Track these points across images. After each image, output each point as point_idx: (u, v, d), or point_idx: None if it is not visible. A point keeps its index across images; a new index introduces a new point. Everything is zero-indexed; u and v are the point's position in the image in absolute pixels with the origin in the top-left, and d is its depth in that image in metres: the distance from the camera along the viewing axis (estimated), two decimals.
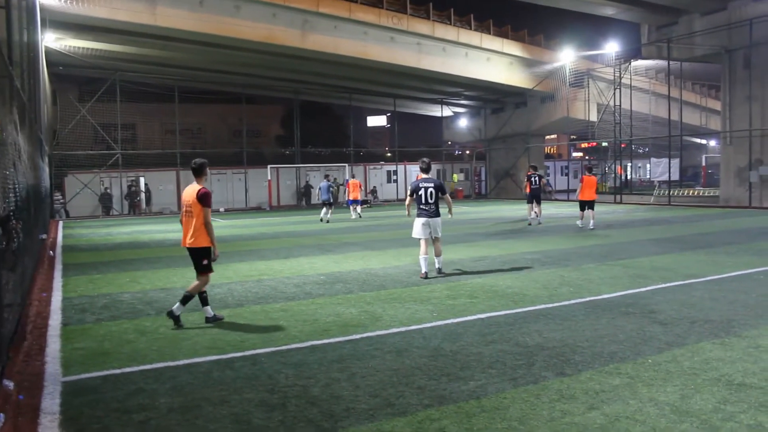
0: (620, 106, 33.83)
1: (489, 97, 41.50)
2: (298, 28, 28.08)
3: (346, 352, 6.05)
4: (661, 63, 34.20)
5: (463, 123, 46.79)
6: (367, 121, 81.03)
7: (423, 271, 10.31)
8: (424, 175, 10.59)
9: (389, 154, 52.46)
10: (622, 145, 36.07)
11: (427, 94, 42.03)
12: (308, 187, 38.44)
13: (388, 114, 66.06)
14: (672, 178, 33.91)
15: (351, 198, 25.76)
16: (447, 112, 46.60)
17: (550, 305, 7.93)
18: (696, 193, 35.63)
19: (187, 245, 7.43)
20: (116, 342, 6.64)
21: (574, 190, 20.62)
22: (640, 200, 33.82)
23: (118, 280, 10.84)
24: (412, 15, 31.45)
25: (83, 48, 28.47)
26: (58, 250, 16.24)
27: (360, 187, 26.62)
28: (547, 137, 48.87)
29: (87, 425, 4.41)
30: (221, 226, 21.87)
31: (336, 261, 12.64)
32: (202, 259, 7.39)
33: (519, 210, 26.74)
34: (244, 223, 24.73)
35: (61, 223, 26.83)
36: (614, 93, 33.78)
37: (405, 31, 31.03)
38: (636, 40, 34.70)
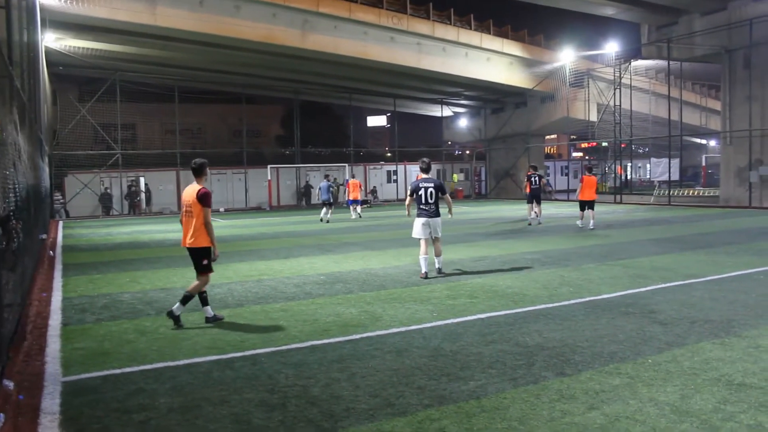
0: (620, 106, 33.83)
1: (489, 97, 41.50)
2: (298, 28, 28.08)
3: (346, 352, 6.05)
4: (661, 63, 34.19)
5: (463, 123, 46.79)
6: (367, 121, 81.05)
7: (423, 271, 10.31)
8: (424, 175, 10.58)
9: (389, 154, 52.47)
10: (622, 145, 36.08)
11: (427, 94, 42.03)
12: (308, 187, 38.45)
13: (388, 114, 66.08)
14: (672, 178, 33.91)
15: (351, 198, 25.76)
16: (447, 112, 46.60)
17: (550, 305, 7.93)
18: (696, 193, 35.63)
19: (187, 245, 7.43)
20: (116, 342, 6.65)
21: (574, 190, 20.63)
22: (640, 200, 33.82)
23: (118, 280, 10.85)
24: (412, 15, 31.45)
25: (83, 48, 28.47)
26: (58, 250, 16.24)
27: (360, 187, 26.61)
28: (547, 137, 48.88)
29: (87, 425, 4.41)
30: (221, 226, 21.87)
31: (336, 261, 12.64)
32: (202, 259, 7.39)
33: (519, 210, 26.75)
34: (244, 223, 24.73)
35: (61, 223, 26.83)
36: (614, 93, 33.79)
37: (405, 31, 31.04)
38: (636, 40, 34.72)
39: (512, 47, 35.25)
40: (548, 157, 56.95)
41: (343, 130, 48.61)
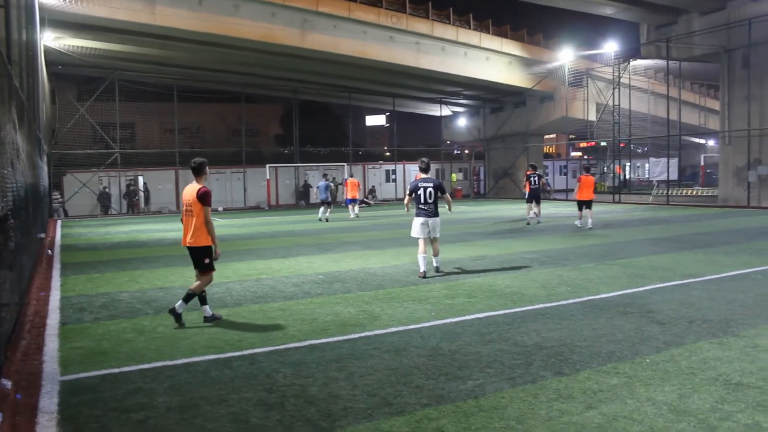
0: (619, 105, 33.86)
1: (488, 97, 41.50)
2: (297, 27, 28.07)
3: (345, 351, 6.05)
4: (660, 62, 34.21)
5: (462, 122, 46.79)
6: (366, 121, 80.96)
7: (421, 270, 10.32)
8: (423, 175, 10.59)
9: (388, 154, 52.45)
10: (621, 145, 36.12)
11: (426, 94, 42.02)
12: (307, 187, 38.44)
13: (387, 113, 66.03)
14: (671, 178, 33.92)
15: (349, 197, 25.76)
16: (446, 111, 46.59)
17: (549, 305, 7.94)
18: (694, 192, 35.65)
19: (188, 244, 7.43)
20: (114, 341, 6.64)
21: (573, 190, 20.63)
22: (638, 200, 33.84)
23: (116, 280, 10.84)
24: (411, 14, 31.45)
25: (82, 47, 28.45)
26: (57, 249, 16.23)
27: (358, 186, 26.63)
28: (546, 137, 48.88)
29: (85, 424, 4.41)
30: (220, 225, 21.83)
31: (335, 260, 12.64)
32: (203, 258, 7.40)
33: (518, 209, 26.76)
34: (242, 222, 24.73)
35: (59, 222, 26.81)
36: (613, 92, 33.81)
37: (404, 30, 31.04)
38: (635, 39, 34.72)
39: (511, 47, 35.26)
40: (547, 156, 56.93)
41: (342, 129, 48.62)
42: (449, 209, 11.22)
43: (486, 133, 43.95)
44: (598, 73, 36.28)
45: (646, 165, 50.61)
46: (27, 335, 6.94)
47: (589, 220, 18.06)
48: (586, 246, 14.07)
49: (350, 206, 25.74)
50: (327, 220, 23.23)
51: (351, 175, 34.44)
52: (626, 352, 5.78)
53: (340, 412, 4.49)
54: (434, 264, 10.62)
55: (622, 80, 33.64)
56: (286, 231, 20.02)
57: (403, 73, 33.94)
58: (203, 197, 7.28)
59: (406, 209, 11.29)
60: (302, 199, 38.45)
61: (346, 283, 9.93)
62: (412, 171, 41.14)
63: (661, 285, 9.12)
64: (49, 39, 25.44)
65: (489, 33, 34.39)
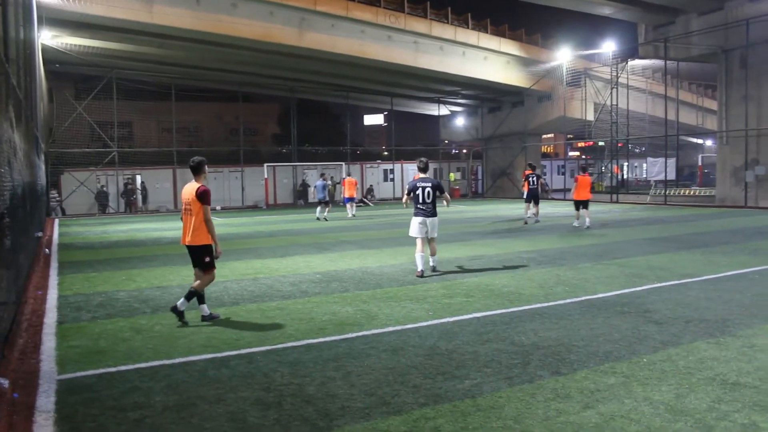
0: (617, 105, 33.90)
1: (486, 96, 41.52)
2: (295, 26, 28.06)
3: (342, 350, 6.05)
4: (658, 62, 34.23)
5: (460, 122, 46.81)
6: (363, 120, 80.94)
7: (419, 269, 10.32)
8: (421, 175, 10.59)
9: (386, 153, 52.44)
10: (619, 145, 36.13)
11: (424, 93, 42.02)
12: (305, 186, 38.42)
13: (385, 113, 66.05)
14: (668, 178, 33.97)
15: (347, 196, 25.78)
16: (444, 110, 46.60)
17: (546, 304, 7.94)
18: (692, 192, 35.68)
19: (187, 243, 7.43)
20: (112, 340, 6.64)
21: (570, 190, 20.64)
22: (636, 200, 33.87)
23: (113, 278, 10.83)
24: (410, 14, 31.46)
25: (80, 45, 28.40)
26: (54, 247, 16.21)
27: (355, 185, 26.65)
28: (544, 136, 48.93)
29: (82, 423, 4.40)
30: (217, 225, 21.75)
31: (332, 259, 12.63)
32: (203, 256, 7.40)
33: (515, 209, 26.78)
34: (240, 221, 24.73)
35: (57, 221, 26.77)
36: (611, 92, 33.83)
37: (402, 29, 31.04)
38: (633, 39, 34.74)
39: (509, 46, 35.28)
40: (545, 156, 56.97)
41: (340, 128, 48.65)
42: (447, 204, 11.17)
43: (484, 133, 43.97)
44: (596, 72, 36.32)
45: (644, 165, 50.70)
46: (24, 334, 6.93)
47: (587, 220, 18.07)
48: (584, 246, 14.08)
49: (348, 205, 25.76)
50: (326, 219, 23.24)
51: (349, 175, 34.40)
52: (623, 352, 5.79)
53: (338, 412, 4.49)
54: (431, 264, 10.63)
55: (620, 80, 33.68)
56: (283, 230, 20.01)
57: (402, 73, 33.94)
58: (202, 196, 7.28)
59: (404, 205, 11.34)
60: (301, 198, 38.43)
61: (344, 282, 9.93)
62: (410, 170, 41.15)
63: (659, 285, 9.13)
64: (46, 37, 25.40)
65: (487, 32, 34.40)
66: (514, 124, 40.51)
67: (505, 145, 41.96)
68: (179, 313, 7.23)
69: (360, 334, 6.66)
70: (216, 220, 7.53)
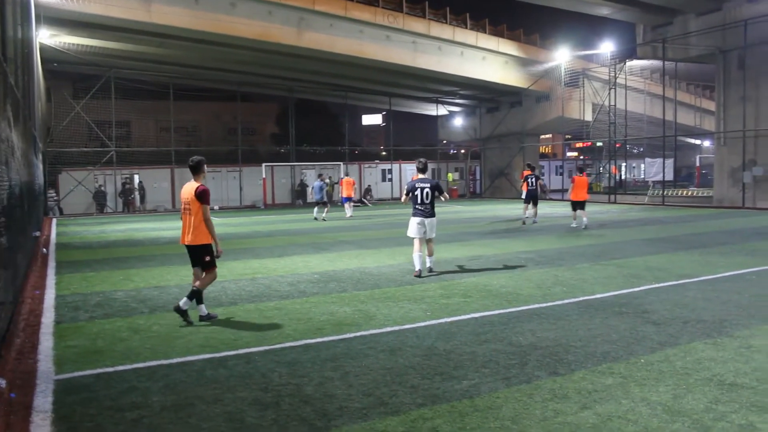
0: (615, 105, 33.92)
1: (484, 96, 41.53)
2: (293, 25, 28.05)
3: (340, 350, 6.05)
4: (656, 63, 34.30)
5: (459, 122, 46.82)
6: (362, 120, 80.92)
7: (417, 269, 10.33)
8: (420, 175, 10.60)
9: (384, 153, 52.45)
10: (617, 145, 36.16)
11: (423, 93, 42.04)
12: (303, 186, 38.41)
13: (384, 113, 66.02)
14: (666, 179, 34.01)
15: (345, 196, 25.80)
16: (442, 111, 46.62)
17: (544, 305, 7.95)
18: (690, 193, 35.74)
19: (186, 243, 7.42)
20: (109, 340, 6.63)
21: (568, 190, 20.66)
22: (634, 200, 33.91)
23: (111, 278, 10.81)
24: (408, 13, 31.46)
25: (78, 44, 28.37)
26: (52, 247, 16.19)
27: (353, 185, 26.67)
28: (542, 137, 48.96)
29: (79, 423, 4.40)
30: (215, 224, 21.75)
31: (330, 260, 12.63)
32: (203, 256, 7.40)
33: (513, 209, 26.80)
34: (238, 221, 24.72)
35: (54, 221, 26.74)
36: (609, 93, 33.85)
37: (401, 29, 31.04)
38: (631, 40, 34.78)
39: (508, 46, 35.29)
40: (543, 156, 57.04)
41: (338, 128, 48.67)
42: (444, 199, 11.10)
43: (482, 133, 43.98)
44: (595, 73, 36.35)
45: (642, 165, 50.79)
46: (22, 334, 6.92)
47: (584, 220, 18.10)
48: (582, 246, 14.09)
49: (346, 205, 25.78)
50: (324, 220, 23.25)
51: (347, 174, 34.43)
52: (621, 353, 5.79)
53: (336, 412, 4.49)
54: (428, 264, 10.63)
55: (618, 80, 33.70)
56: (281, 230, 20.01)
57: (400, 73, 33.95)
58: (201, 195, 7.27)
59: (403, 202, 11.35)
60: (299, 198, 38.42)
61: (342, 282, 9.93)
62: (408, 170, 41.18)
63: (657, 285, 9.14)
64: (44, 36, 25.37)
65: (485, 33, 34.42)
66: (512, 124, 40.52)
67: (503, 146, 41.98)
68: (183, 313, 7.21)
69: (358, 334, 6.66)
70: (214, 220, 7.51)
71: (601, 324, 6.88)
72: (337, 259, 12.72)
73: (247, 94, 44.44)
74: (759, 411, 4.35)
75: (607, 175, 38.12)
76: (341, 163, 38.68)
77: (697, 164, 49.09)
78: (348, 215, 25.12)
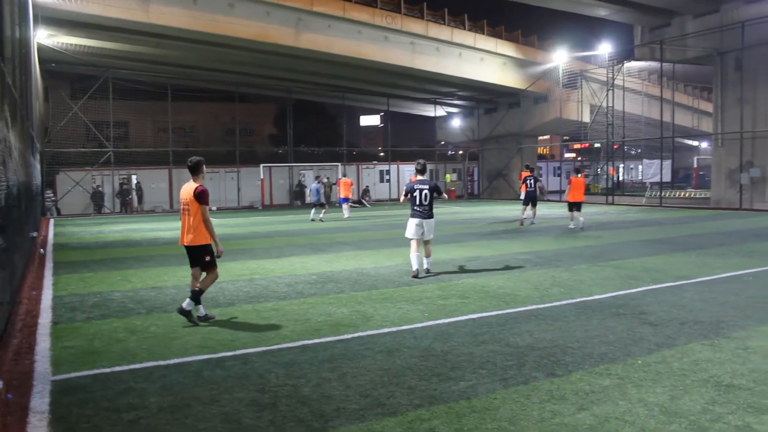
0: (613, 107, 33.96)
1: (482, 98, 41.56)
2: (291, 26, 28.06)
3: (337, 351, 6.05)
4: (654, 64, 34.32)
5: (456, 123, 46.84)
6: (360, 121, 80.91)
7: (414, 268, 10.33)
8: (419, 177, 10.61)
9: (382, 154, 52.46)
10: (615, 146, 36.21)
11: (421, 94, 42.06)
12: (302, 186, 38.39)
13: (382, 113, 66.03)
14: (664, 180, 34.06)
15: (342, 197, 25.82)
16: (440, 112, 46.64)
17: (542, 306, 7.95)
18: (687, 194, 35.81)
19: (186, 243, 7.42)
20: (106, 341, 6.62)
21: (565, 191, 20.66)
22: (631, 201, 33.95)
23: (109, 279, 10.80)
24: (406, 14, 31.49)
25: (76, 45, 28.35)
26: (49, 247, 16.16)
27: (351, 185, 26.68)
28: (540, 138, 49.01)
29: (76, 424, 4.39)
30: (213, 225, 21.75)
31: (328, 261, 12.63)
32: (203, 256, 7.40)
33: (511, 210, 26.81)
34: (236, 222, 24.71)
35: (52, 221, 26.70)
36: (607, 94, 33.89)
37: (399, 30, 31.06)
38: (629, 41, 34.85)
39: (506, 47, 35.32)
40: (541, 157, 57.09)
41: (336, 129, 48.63)
42: (444, 199, 11.21)
43: (480, 134, 44.01)
44: (592, 74, 36.40)
45: (640, 167, 50.83)
46: (18, 334, 6.91)
47: (581, 220, 18.13)
48: (579, 247, 14.10)
49: (344, 206, 25.79)
50: (322, 221, 23.26)
51: (344, 175, 34.44)
52: (618, 354, 5.80)
53: (333, 413, 4.49)
54: (425, 265, 10.63)
55: (615, 82, 33.75)
56: (279, 231, 20.00)
57: (398, 74, 33.96)
58: (200, 196, 7.26)
59: (402, 203, 11.39)
60: (297, 199, 38.41)
61: (340, 283, 9.92)
62: (406, 171, 41.18)
63: (654, 287, 9.15)
64: (42, 36, 25.35)
65: (484, 34, 34.45)
66: (510, 125, 40.55)
67: (501, 147, 42.01)
68: (187, 314, 7.21)
69: (355, 335, 6.66)
70: (212, 221, 7.50)
71: (599, 325, 6.89)
72: (335, 260, 12.72)
73: (245, 95, 44.35)
74: (756, 412, 4.36)
75: (605, 176, 38.16)
76: (339, 163, 38.67)
77: (695, 165, 49.22)
78: (345, 216, 25.12)
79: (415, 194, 10.40)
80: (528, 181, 20.12)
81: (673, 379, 5.08)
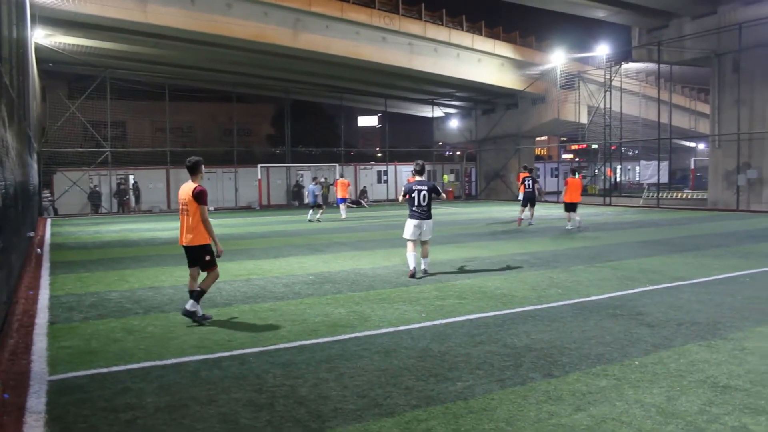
0: (610, 108, 34.00)
1: (480, 98, 41.60)
2: (289, 27, 28.05)
3: (335, 352, 6.05)
4: (652, 66, 34.38)
5: (454, 124, 46.88)
6: (358, 121, 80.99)
7: (411, 267, 10.34)
8: (417, 177, 10.62)
9: (380, 155, 52.47)
10: (612, 148, 36.26)
11: (419, 95, 42.08)
12: (299, 187, 38.38)
13: (379, 114, 66.10)
14: (661, 181, 34.11)
15: (340, 197, 25.83)
16: (438, 112, 46.66)
17: (539, 306, 7.96)
18: (684, 195, 35.84)
19: (185, 243, 7.41)
20: (103, 341, 6.61)
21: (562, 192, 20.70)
22: (629, 202, 34.00)
23: (106, 279, 10.78)
24: (404, 15, 31.50)
25: (73, 44, 28.32)
26: (46, 247, 16.13)
27: (348, 186, 26.69)
28: (538, 139, 49.05)
29: (73, 424, 4.38)
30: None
31: (325, 261, 12.62)
32: (203, 256, 7.39)
33: (509, 211, 26.83)
34: (233, 222, 24.69)
35: (49, 221, 26.65)
36: (605, 95, 33.94)
37: (397, 31, 31.08)
38: (627, 42, 34.89)
39: (504, 48, 35.36)
40: (538, 158, 57.13)
41: (334, 129, 48.59)
42: (443, 199, 11.22)
43: (478, 135, 44.05)
44: (590, 75, 36.45)
45: (637, 168, 50.87)
46: (15, 334, 6.89)
47: (578, 219, 18.16)
48: (577, 248, 14.12)
49: (341, 206, 25.80)
50: (319, 221, 23.26)
51: (342, 176, 34.44)
52: (615, 355, 5.81)
53: (330, 413, 4.48)
54: (422, 266, 10.64)
55: (613, 83, 33.80)
56: (277, 231, 19.99)
57: (396, 74, 33.98)
58: (198, 196, 7.25)
59: (400, 203, 11.40)
60: (295, 199, 38.39)
61: (337, 283, 9.92)
62: (403, 172, 41.17)
63: (651, 288, 9.17)
64: (39, 36, 25.31)
65: (482, 35, 34.49)
66: (507, 126, 40.59)
67: (498, 147, 42.05)
68: (191, 314, 7.20)
69: (353, 335, 6.66)
70: (211, 221, 7.49)
71: (596, 326, 6.90)
72: (332, 260, 12.72)
73: (243, 95, 44.39)
74: (752, 413, 4.37)
75: (603, 177, 38.19)
76: (337, 164, 38.66)
77: (692, 167, 49.29)
78: (343, 216, 25.12)
79: (413, 195, 10.40)
80: (526, 182, 20.14)
81: (669, 380, 5.09)
